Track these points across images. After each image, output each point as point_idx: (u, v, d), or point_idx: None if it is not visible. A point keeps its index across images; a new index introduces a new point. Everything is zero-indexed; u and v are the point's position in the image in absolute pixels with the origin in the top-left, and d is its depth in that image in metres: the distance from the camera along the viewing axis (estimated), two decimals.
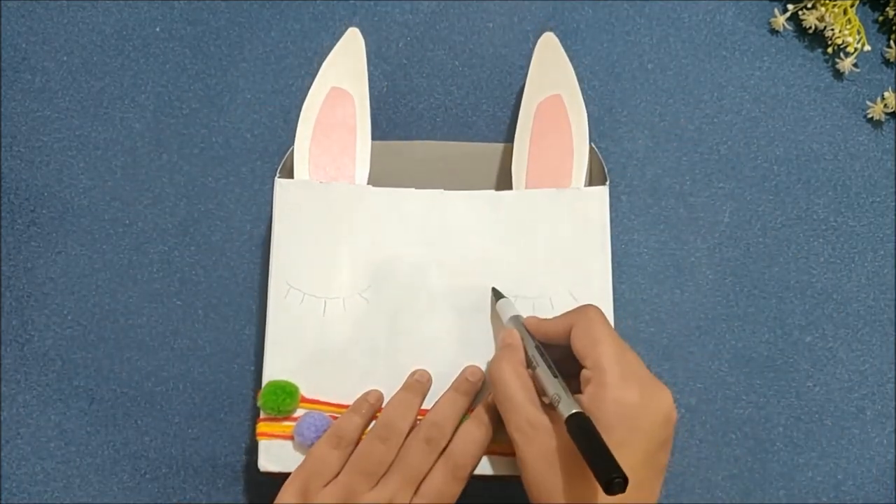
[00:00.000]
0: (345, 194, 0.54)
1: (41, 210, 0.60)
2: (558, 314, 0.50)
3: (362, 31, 0.57)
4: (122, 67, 0.63)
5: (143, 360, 0.58)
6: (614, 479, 0.38)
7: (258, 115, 0.62)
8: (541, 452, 0.44)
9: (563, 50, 0.57)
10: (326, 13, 0.64)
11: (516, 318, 0.51)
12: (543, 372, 0.46)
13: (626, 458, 0.40)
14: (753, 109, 0.63)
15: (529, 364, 0.48)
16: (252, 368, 0.58)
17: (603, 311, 0.48)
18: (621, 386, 0.43)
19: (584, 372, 0.45)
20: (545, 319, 0.50)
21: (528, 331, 0.49)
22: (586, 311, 0.47)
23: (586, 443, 0.41)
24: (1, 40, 0.63)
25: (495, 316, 0.53)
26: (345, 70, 0.56)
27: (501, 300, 0.52)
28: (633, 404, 0.43)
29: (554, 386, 0.45)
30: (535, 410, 0.45)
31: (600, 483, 0.39)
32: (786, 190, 0.62)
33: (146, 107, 0.62)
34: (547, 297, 0.53)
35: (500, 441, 0.50)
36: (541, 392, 0.47)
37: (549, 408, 0.45)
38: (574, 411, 0.42)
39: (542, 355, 0.47)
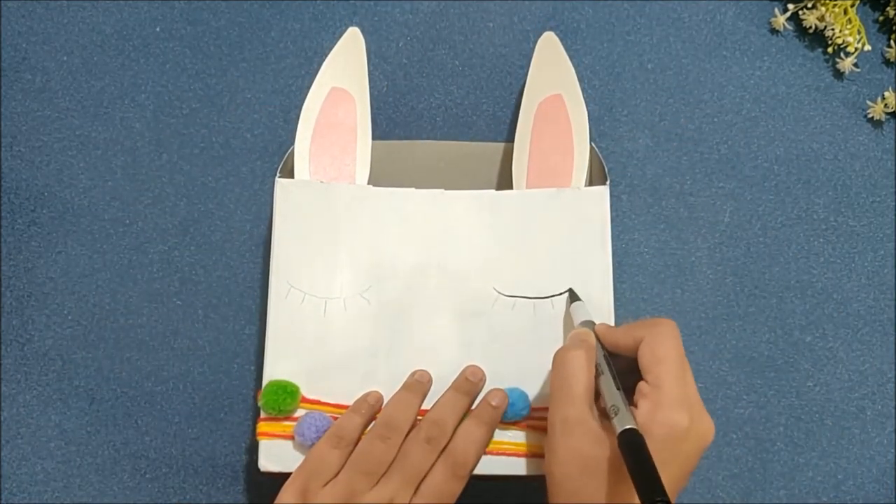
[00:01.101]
0: (345, 194, 0.54)
1: (41, 210, 0.60)
2: (558, 315, 0.50)
3: (362, 31, 0.57)
4: (122, 67, 0.63)
5: (143, 360, 0.58)
6: (657, 500, 0.39)
7: (258, 115, 0.62)
8: (576, 451, 0.44)
9: (563, 49, 0.57)
10: (326, 13, 0.64)
11: (589, 323, 0.50)
12: (607, 381, 0.46)
13: (665, 477, 0.41)
14: (753, 109, 0.63)
15: (595, 370, 0.48)
16: (252, 368, 0.58)
17: (603, 316, 0.48)
18: (676, 409, 0.44)
19: (642, 385, 0.45)
20: (616, 328, 0.49)
21: (597, 337, 0.49)
22: (659, 325, 0.47)
23: (636, 459, 0.41)
24: (1, 40, 0.63)
25: (567, 317, 0.53)
26: (345, 70, 0.56)
27: (576, 303, 0.52)
28: (682, 429, 0.44)
29: (614, 398, 0.45)
30: (588, 410, 0.45)
31: (643, 501, 0.39)
32: (786, 190, 0.62)
33: (146, 107, 0.62)
34: (547, 297, 0.53)
35: (500, 440, 0.50)
36: (601, 399, 0.46)
37: (602, 415, 0.46)
38: (629, 426, 0.42)
39: (608, 364, 0.47)
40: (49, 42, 0.63)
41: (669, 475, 0.42)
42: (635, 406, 0.45)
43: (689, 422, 0.44)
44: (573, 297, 0.52)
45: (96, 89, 0.62)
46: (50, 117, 0.62)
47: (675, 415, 0.44)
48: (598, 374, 0.47)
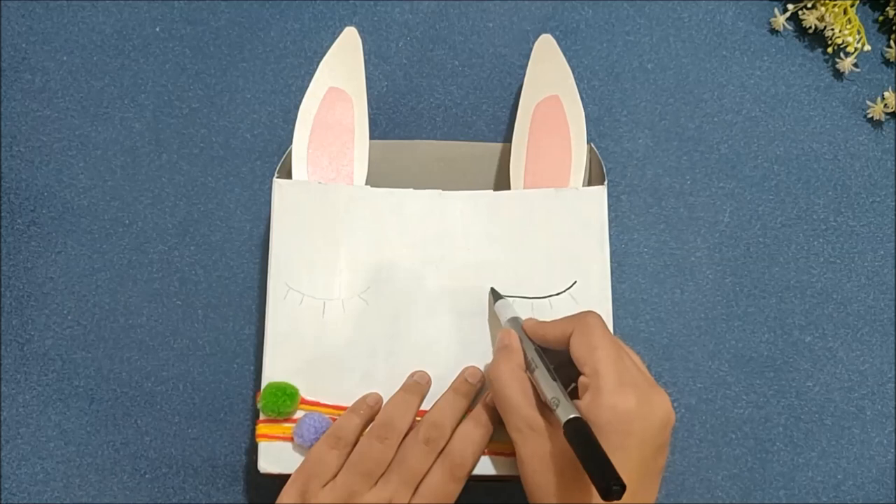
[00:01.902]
0: (343, 195, 0.54)
1: (41, 210, 0.60)
2: (557, 316, 0.50)
3: (362, 31, 0.57)
4: (122, 67, 0.63)
5: (143, 360, 0.58)
6: (612, 486, 0.39)
7: (258, 115, 0.62)
8: (537, 454, 0.45)
9: (560, 51, 0.57)
10: (326, 13, 0.64)
11: (515, 320, 0.51)
12: (542, 375, 0.46)
13: (622, 464, 0.41)
14: (753, 109, 0.63)
15: (528, 366, 0.48)
16: (251, 368, 0.58)
17: (602, 315, 0.48)
18: (618, 392, 0.44)
19: (581, 378, 0.45)
20: (544, 322, 0.50)
21: (526, 333, 0.50)
22: (585, 317, 0.47)
23: (584, 448, 0.41)
24: (1, 40, 0.63)
25: (493, 316, 0.53)
26: (342, 70, 0.56)
27: (500, 301, 0.52)
28: (628, 410, 0.43)
29: (552, 390, 0.45)
30: (533, 412, 0.46)
31: (598, 489, 0.39)
32: (786, 190, 0.62)
33: (146, 107, 0.62)
34: (546, 297, 0.53)
35: (498, 441, 0.50)
36: (540, 394, 0.47)
37: (549, 410, 0.45)
38: (571, 416, 0.42)
39: (540, 358, 0.47)
40: (49, 42, 0.63)
41: (626, 459, 0.42)
42: (579, 399, 0.45)
43: (636, 402, 0.43)
44: (495, 295, 0.52)
45: (96, 89, 0.62)
46: (50, 117, 0.62)
47: (617, 398, 0.43)
48: (532, 370, 0.47)
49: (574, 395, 0.45)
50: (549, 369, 0.46)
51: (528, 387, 0.47)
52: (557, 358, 0.47)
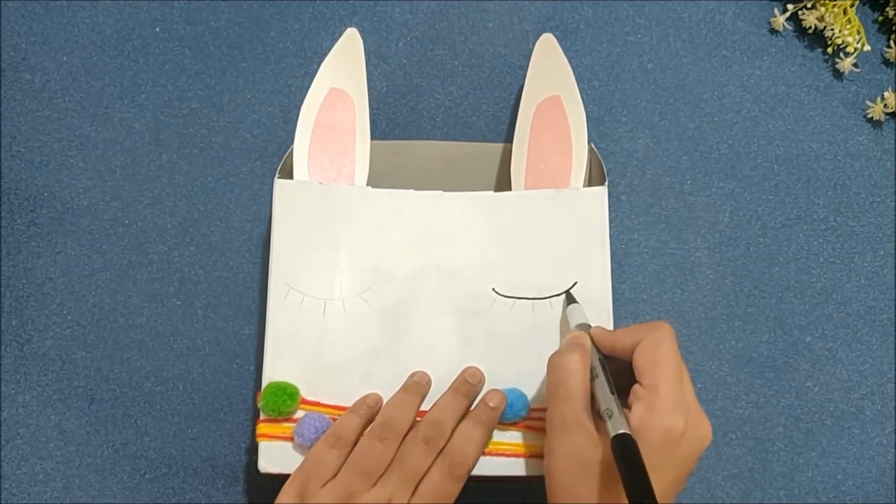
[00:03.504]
0: (344, 195, 0.54)
1: (41, 210, 0.60)
2: (558, 316, 0.50)
3: (362, 32, 0.57)
4: (122, 67, 0.63)
5: (143, 360, 0.58)
6: None
7: (258, 115, 0.62)
8: (573, 452, 0.44)
9: (561, 51, 0.57)
10: (326, 13, 0.64)
11: (585, 326, 0.50)
12: (601, 385, 0.46)
13: (659, 480, 0.41)
14: (753, 109, 0.63)
15: (590, 372, 0.48)
16: (251, 368, 0.58)
17: (602, 315, 0.48)
18: (671, 414, 0.44)
19: (637, 388, 0.45)
20: (612, 332, 0.49)
21: (593, 341, 0.49)
22: (656, 328, 0.47)
23: (628, 465, 0.41)
24: (1, 40, 0.63)
25: (564, 319, 0.53)
26: (343, 70, 0.56)
27: (572, 305, 0.52)
28: (677, 433, 0.44)
29: (608, 401, 0.45)
30: (584, 411, 0.45)
31: None
32: (786, 190, 0.62)
33: (146, 107, 0.62)
34: (546, 298, 0.53)
35: (498, 441, 0.50)
36: (595, 402, 0.47)
37: (596, 416, 0.46)
38: (622, 431, 0.43)
39: (603, 368, 0.47)
40: (49, 42, 0.63)
41: (664, 479, 0.43)
42: (629, 409, 0.45)
43: (685, 426, 0.44)
44: (570, 299, 0.52)
45: (96, 89, 0.62)
46: (50, 117, 0.62)
47: (670, 419, 0.44)
48: (592, 378, 0.47)
49: (623, 400, 0.45)
50: (609, 380, 0.46)
51: (588, 386, 0.47)
52: (614, 364, 0.48)
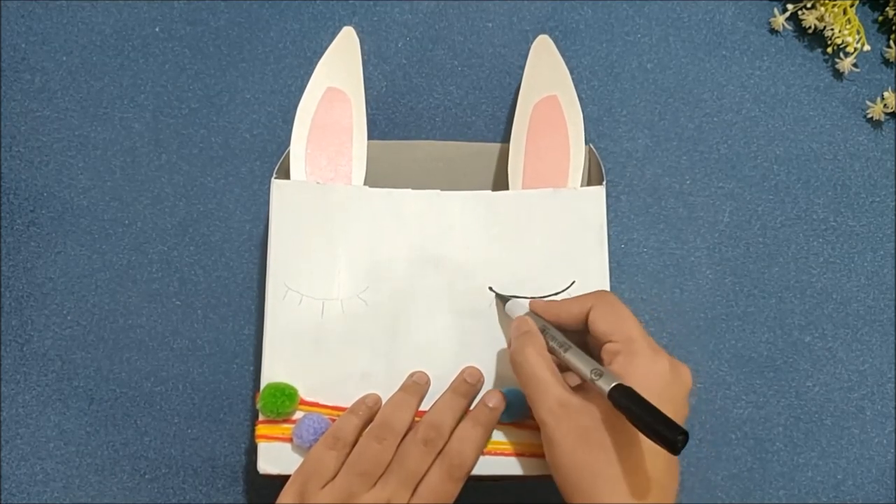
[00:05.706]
0: (342, 195, 0.54)
1: (41, 210, 0.60)
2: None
3: (361, 31, 0.57)
4: (122, 67, 0.63)
5: (143, 360, 0.58)
6: (678, 437, 0.39)
7: (257, 115, 0.62)
8: (573, 431, 0.44)
9: (557, 51, 0.57)
10: (325, 13, 0.64)
11: (522, 309, 0.51)
12: (575, 353, 0.47)
13: None
14: (753, 109, 0.63)
15: (554, 350, 0.48)
16: (251, 369, 0.58)
17: None
18: (653, 357, 0.45)
19: (609, 346, 0.46)
20: (554, 302, 0.50)
21: (541, 316, 0.50)
22: (603, 294, 0.49)
23: (638, 409, 0.41)
24: (1, 40, 0.63)
25: (504, 317, 0.53)
26: (340, 70, 0.56)
27: (510, 302, 0.52)
28: (663, 374, 0.44)
29: (589, 363, 0.45)
30: (564, 391, 0.46)
31: (664, 444, 0.40)
32: (786, 190, 0.62)
33: (146, 107, 0.62)
34: (545, 297, 0.53)
35: (498, 441, 0.50)
36: (576, 373, 0.47)
37: (576, 389, 0.46)
38: (617, 383, 0.43)
39: (567, 338, 0.48)
40: (49, 42, 0.63)
41: None
42: (608, 366, 0.45)
43: (669, 367, 0.45)
44: (502, 298, 0.52)
45: (96, 89, 0.62)
46: (49, 117, 0.62)
47: (653, 362, 0.45)
48: (565, 350, 0.47)
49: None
50: (577, 346, 0.47)
51: (554, 367, 0.47)
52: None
